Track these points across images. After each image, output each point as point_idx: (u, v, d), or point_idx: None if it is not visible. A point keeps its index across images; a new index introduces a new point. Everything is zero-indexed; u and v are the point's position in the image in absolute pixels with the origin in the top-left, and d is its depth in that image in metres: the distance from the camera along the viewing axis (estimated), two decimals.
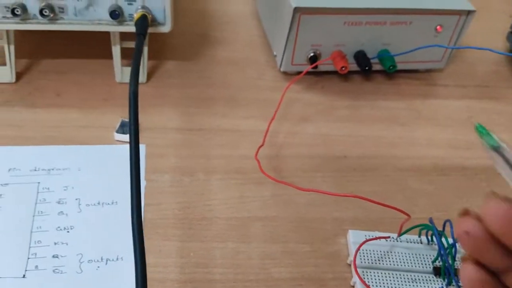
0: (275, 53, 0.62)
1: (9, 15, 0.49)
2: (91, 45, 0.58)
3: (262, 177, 0.46)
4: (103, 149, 0.49)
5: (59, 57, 0.59)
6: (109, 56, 0.58)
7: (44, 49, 0.60)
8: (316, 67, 0.59)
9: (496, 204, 0.20)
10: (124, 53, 0.56)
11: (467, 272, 0.21)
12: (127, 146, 0.49)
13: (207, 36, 0.68)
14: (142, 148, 0.50)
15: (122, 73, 0.57)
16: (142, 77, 0.58)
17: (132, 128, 0.38)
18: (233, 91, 0.59)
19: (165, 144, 0.51)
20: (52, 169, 0.46)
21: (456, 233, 0.21)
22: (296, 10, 0.54)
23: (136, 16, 0.50)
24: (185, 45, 0.65)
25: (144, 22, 0.49)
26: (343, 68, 0.58)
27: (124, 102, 0.55)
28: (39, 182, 0.45)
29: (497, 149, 0.21)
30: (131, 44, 0.56)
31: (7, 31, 0.52)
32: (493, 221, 0.20)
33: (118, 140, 0.50)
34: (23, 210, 0.43)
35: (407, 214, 0.40)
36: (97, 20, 0.51)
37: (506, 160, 0.20)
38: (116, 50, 0.56)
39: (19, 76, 0.56)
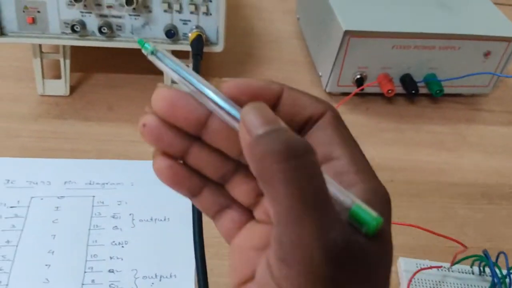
0: (320, 73, 0.63)
1: (68, 31, 0.51)
2: (142, 60, 0.60)
3: None
4: None
5: (110, 71, 0.61)
6: (160, 71, 0.59)
7: (96, 63, 0.61)
8: (362, 89, 0.59)
9: (161, 90, 0.22)
10: None
11: (157, 163, 0.23)
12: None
13: (252, 54, 0.69)
14: None
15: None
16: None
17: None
18: None
19: None
20: (106, 183, 0.48)
21: (140, 129, 0.23)
22: (346, 33, 0.54)
23: (191, 36, 0.51)
24: (231, 63, 0.66)
25: (200, 42, 0.50)
26: (390, 91, 0.58)
27: None
28: (94, 196, 0.46)
29: (154, 54, 0.24)
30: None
31: (64, 46, 0.54)
32: (160, 107, 0.22)
33: None
34: (79, 223, 0.44)
35: (463, 245, 0.40)
36: (152, 38, 0.53)
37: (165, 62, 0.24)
38: None
39: (72, 89, 0.57)
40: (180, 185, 0.23)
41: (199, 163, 0.23)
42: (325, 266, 0.17)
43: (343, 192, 0.19)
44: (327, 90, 0.61)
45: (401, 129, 0.59)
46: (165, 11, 0.51)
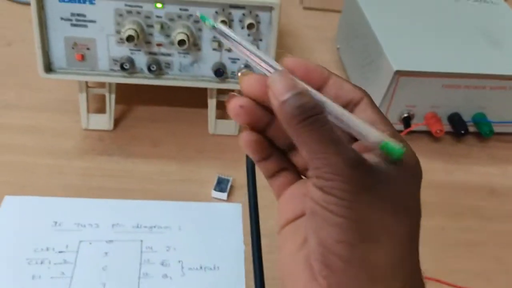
0: None
1: (117, 68, 0.50)
2: (185, 94, 0.59)
3: None
4: (202, 207, 0.49)
5: (154, 104, 0.60)
6: (202, 105, 0.58)
7: (139, 95, 0.61)
8: (408, 126, 0.58)
9: (248, 77, 0.27)
10: (218, 105, 0.56)
11: (245, 135, 0.28)
12: (225, 204, 0.50)
13: None
14: (238, 207, 0.50)
15: (215, 125, 0.57)
16: (234, 130, 0.58)
17: (252, 207, 0.38)
18: None
19: (263, 205, 0.50)
20: (154, 227, 0.47)
21: (231, 111, 0.27)
22: (397, 72, 0.53)
23: (241, 77, 0.50)
24: None
25: None
26: (439, 131, 0.57)
27: (217, 155, 0.55)
28: (141, 240, 0.46)
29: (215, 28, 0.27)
30: (226, 98, 0.56)
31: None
32: (253, 89, 0.27)
33: (214, 198, 0.50)
34: (128, 271, 0.43)
35: None
36: (200, 76, 0.52)
37: (226, 34, 0.27)
38: (211, 103, 0.56)
39: (116, 122, 0.57)
40: (258, 152, 0.28)
41: (274, 134, 0.28)
42: (348, 169, 0.23)
43: (377, 133, 0.25)
44: None
45: (449, 170, 0.57)
46: (214, 49, 0.50)
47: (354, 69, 0.66)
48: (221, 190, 0.50)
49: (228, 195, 0.50)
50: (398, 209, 0.25)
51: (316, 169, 0.24)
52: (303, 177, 0.30)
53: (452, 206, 0.53)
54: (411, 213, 0.26)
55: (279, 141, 0.29)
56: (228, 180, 0.51)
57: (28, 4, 0.77)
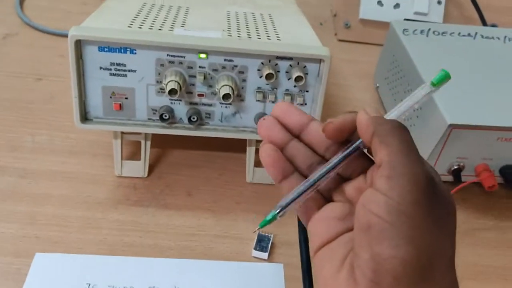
0: None
1: (155, 117, 0.48)
2: (222, 139, 0.56)
3: None
4: (242, 267, 0.46)
5: (187, 148, 0.58)
6: (239, 150, 0.56)
7: (174, 140, 0.58)
8: (458, 179, 0.54)
9: (281, 103, 0.32)
10: (256, 152, 0.54)
11: (264, 148, 0.31)
12: (266, 265, 0.47)
13: None
14: (280, 268, 0.47)
15: (253, 173, 0.55)
16: None
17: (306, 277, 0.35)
18: None
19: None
20: None
21: (260, 128, 0.32)
22: (450, 126, 0.50)
23: None
24: None
25: None
26: (491, 187, 0.53)
27: (255, 207, 0.53)
28: None
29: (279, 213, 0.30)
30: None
31: None
32: (279, 111, 0.32)
33: (255, 257, 0.48)
34: None
35: None
36: (242, 127, 0.49)
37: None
38: (250, 152, 0.54)
39: (150, 169, 0.55)
40: (277, 167, 0.31)
41: (294, 153, 0.31)
42: (425, 179, 0.25)
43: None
44: None
45: (502, 228, 0.54)
46: (258, 100, 0.48)
47: None
48: (262, 249, 0.47)
49: (269, 254, 0.48)
50: (452, 235, 0.27)
51: (393, 165, 0.26)
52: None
53: (506, 270, 0.49)
54: (454, 240, 0.27)
55: (300, 162, 0.32)
56: (269, 238, 0.48)
57: (58, 35, 0.76)
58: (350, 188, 0.31)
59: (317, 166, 0.31)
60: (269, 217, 0.29)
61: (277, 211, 0.29)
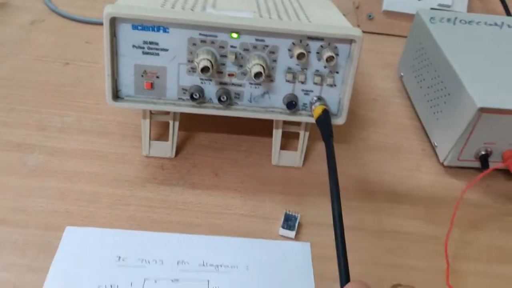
0: (436, 143, 0.58)
1: (186, 97, 0.49)
2: (248, 122, 0.57)
3: None
4: (269, 245, 0.47)
5: (214, 131, 0.58)
6: (265, 134, 0.56)
7: (201, 122, 0.59)
8: (486, 165, 0.54)
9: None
10: (283, 135, 0.54)
11: None
12: (293, 243, 0.47)
13: (354, 114, 0.65)
14: (307, 247, 0.47)
15: (279, 156, 0.55)
16: (299, 162, 0.55)
17: (342, 263, 0.35)
18: (391, 183, 0.55)
19: (331, 244, 0.48)
20: (221, 266, 0.44)
21: None
22: (480, 109, 0.50)
23: (316, 110, 0.47)
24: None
25: (328, 119, 0.46)
26: None
27: (282, 189, 0.53)
28: (208, 280, 0.43)
29: None
30: (292, 128, 0.54)
31: None
32: None
33: (282, 235, 0.48)
34: None
35: None
36: (271, 107, 0.50)
37: None
38: (277, 134, 0.54)
39: (177, 150, 0.55)
40: None
41: None
42: None
43: None
44: (445, 164, 0.56)
45: None
46: (287, 81, 0.48)
47: (421, 99, 0.63)
48: (289, 228, 0.48)
49: (296, 233, 0.48)
50: None
51: None
52: None
53: None
54: None
55: None
56: (296, 217, 0.48)
57: (84, 22, 0.77)
58: None
59: None
60: None
61: None
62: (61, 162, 0.52)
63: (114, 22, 0.45)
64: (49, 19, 0.77)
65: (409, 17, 0.82)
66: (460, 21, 0.65)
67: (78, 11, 0.79)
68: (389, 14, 0.84)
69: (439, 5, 0.82)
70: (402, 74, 0.70)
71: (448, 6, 0.82)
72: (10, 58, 0.67)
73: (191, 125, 0.59)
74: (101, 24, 0.45)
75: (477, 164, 0.55)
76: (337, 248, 0.36)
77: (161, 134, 0.56)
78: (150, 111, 0.52)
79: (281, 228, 0.48)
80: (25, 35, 0.72)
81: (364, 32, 0.83)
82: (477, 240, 0.50)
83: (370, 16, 0.84)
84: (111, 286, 0.42)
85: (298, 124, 0.53)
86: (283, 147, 0.55)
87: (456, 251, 0.48)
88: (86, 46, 0.72)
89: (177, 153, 0.55)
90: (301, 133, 0.54)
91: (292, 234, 0.48)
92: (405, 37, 0.71)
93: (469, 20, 0.66)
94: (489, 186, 0.56)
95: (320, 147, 0.58)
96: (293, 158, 0.55)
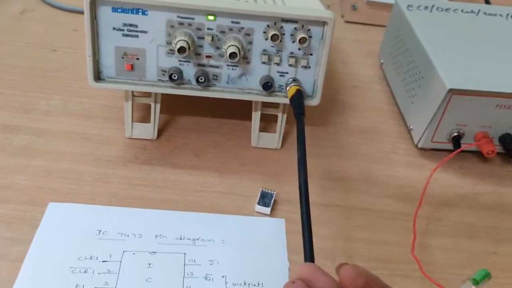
0: (411, 126, 0.60)
1: (165, 78, 0.50)
2: (228, 105, 0.58)
3: (410, 269, 0.44)
4: (245, 221, 0.48)
5: (196, 114, 0.60)
6: (245, 117, 0.58)
7: (182, 105, 0.60)
8: (458, 146, 0.56)
9: (306, 265, 0.33)
10: (261, 117, 0.56)
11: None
12: (269, 219, 0.49)
13: (335, 100, 0.67)
14: (281, 223, 0.49)
15: (258, 138, 0.57)
16: (277, 143, 0.57)
17: (306, 232, 0.37)
18: (367, 164, 0.57)
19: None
20: (197, 239, 0.46)
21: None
22: (450, 91, 0.52)
23: (290, 90, 0.49)
24: (314, 108, 0.64)
25: (301, 98, 0.48)
26: (490, 152, 0.55)
27: (260, 168, 0.55)
28: (185, 253, 0.45)
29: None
30: (270, 111, 0.56)
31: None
32: (304, 273, 0.32)
33: (258, 212, 0.50)
34: (172, 284, 0.42)
35: None
36: (247, 89, 0.51)
37: None
38: (256, 116, 0.55)
39: (159, 132, 0.57)
40: None
41: None
42: None
43: None
44: (419, 146, 0.58)
45: (501, 194, 0.55)
46: (263, 62, 0.50)
47: (398, 85, 0.65)
48: (265, 204, 0.49)
49: (271, 210, 0.50)
50: None
51: None
52: None
53: (503, 230, 0.51)
54: None
55: None
56: (271, 195, 0.50)
57: (72, 11, 0.79)
58: None
59: None
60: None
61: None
62: (46, 142, 0.54)
63: (94, 4, 0.46)
64: (39, 8, 0.79)
65: (391, 7, 0.83)
66: (437, 8, 0.67)
67: (67, 1, 0.80)
68: (372, 4, 0.85)
69: None
70: (382, 61, 0.72)
71: None
72: None
73: (174, 108, 0.60)
74: None
75: (450, 146, 0.57)
76: (301, 215, 0.37)
77: (144, 116, 0.58)
78: (132, 94, 0.53)
79: (257, 205, 0.49)
80: (15, 23, 0.74)
81: (348, 22, 0.86)
82: (447, 217, 0.52)
83: (354, 6, 0.86)
84: (90, 258, 0.44)
85: (276, 106, 0.55)
86: (262, 129, 0.57)
87: (425, 228, 0.50)
88: (73, 34, 0.73)
89: (159, 135, 0.57)
90: (279, 115, 0.56)
91: (267, 210, 0.49)
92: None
93: (446, 7, 0.67)
94: (461, 167, 0.58)
95: None
96: (271, 140, 0.57)
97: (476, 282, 0.33)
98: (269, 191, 0.50)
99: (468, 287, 0.33)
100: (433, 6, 0.67)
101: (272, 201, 0.50)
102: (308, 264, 0.33)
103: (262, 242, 0.47)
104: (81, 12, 0.79)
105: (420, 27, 0.61)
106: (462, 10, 0.67)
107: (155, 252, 0.45)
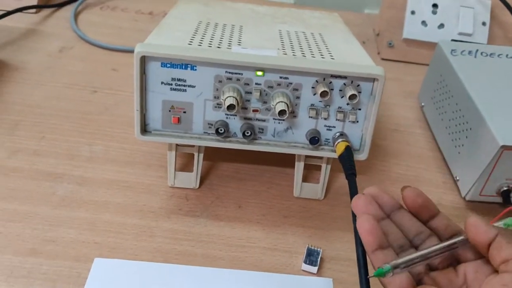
0: (457, 177, 0.58)
1: (211, 131, 0.50)
2: (269, 153, 0.58)
3: None
4: (291, 280, 0.47)
5: (238, 161, 0.60)
6: (287, 165, 0.57)
7: (225, 153, 0.60)
8: (508, 200, 0.54)
9: (372, 187, 0.40)
10: (304, 167, 0.55)
11: (363, 217, 0.35)
12: (316, 279, 0.48)
13: (376, 145, 0.65)
14: (329, 283, 0.48)
15: (301, 188, 0.56)
16: (321, 194, 0.56)
17: None
18: None
19: (354, 281, 0.48)
20: None
21: (356, 204, 0.39)
22: (502, 147, 0.50)
23: (338, 147, 0.48)
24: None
25: (350, 156, 0.47)
26: None
27: (303, 222, 0.54)
28: None
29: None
30: (314, 161, 0.55)
31: None
32: (370, 192, 0.39)
33: (304, 270, 0.48)
34: None
35: None
36: (293, 142, 0.51)
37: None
38: (299, 167, 0.55)
39: (201, 180, 0.56)
40: (374, 234, 0.35)
41: (387, 230, 0.37)
42: None
43: None
44: (467, 198, 0.56)
45: None
46: (310, 117, 0.49)
47: (442, 132, 0.63)
48: (311, 263, 0.48)
49: (318, 269, 0.48)
50: None
51: None
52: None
53: None
54: None
55: (393, 239, 0.37)
56: (318, 252, 0.49)
57: (112, 50, 0.80)
58: (441, 277, 0.36)
59: (409, 248, 0.37)
60: (385, 268, 0.33)
61: (390, 267, 0.33)
62: (89, 192, 0.54)
63: (144, 60, 0.46)
64: (77, 46, 0.80)
65: (429, 45, 0.83)
66: (481, 53, 0.65)
67: (105, 38, 0.81)
68: (409, 42, 0.84)
69: (460, 33, 0.83)
70: (423, 104, 0.71)
71: (469, 34, 0.83)
72: (40, 85, 0.69)
73: (214, 156, 0.60)
74: (127, 51, 0.46)
75: (498, 199, 0.55)
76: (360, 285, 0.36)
77: (186, 164, 0.58)
78: (176, 144, 0.53)
79: (303, 263, 0.48)
80: (54, 62, 0.75)
81: (384, 59, 0.85)
82: None
83: (390, 43, 0.85)
84: None
85: (320, 157, 0.54)
86: (304, 179, 0.56)
87: None
88: (112, 74, 0.74)
89: (201, 183, 0.56)
90: (323, 166, 0.55)
91: (314, 269, 0.48)
92: (426, 65, 0.71)
93: (490, 52, 0.66)
94: None
95: (342, 178, 0.59)
96: (314, 190, 0.56)
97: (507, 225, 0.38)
98: (315, 248, 0.49)
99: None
100: (477, 50, 0.66)
101: (319, 259, 0.48)
102: (372, 187, 0.39)
103: None
104: (119, 51, 0.80)
105: (466, 74, 0.60)
106: (506, 55, 0.66)
107: None
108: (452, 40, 0.77)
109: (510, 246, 0.32)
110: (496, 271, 0.34)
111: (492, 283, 0.33)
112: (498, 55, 0.66)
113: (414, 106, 0.74)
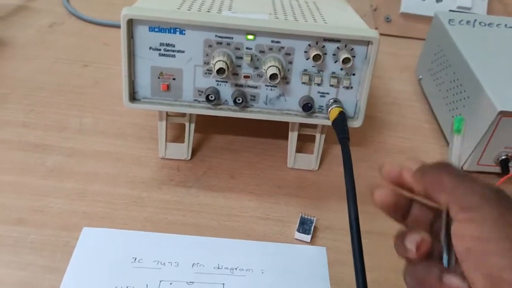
0: None
1: (201, 99, 0.49)
2: (264, 125, 0.57)
3: None
4: (285, 249, 0.46)
5: (231, 133, 0.58)
6: (279, 136, 0.56)
7: (216, 124, 0.59)
8: (506, 169, 0.53)
9: (391, 166, 0.33)
10: (298, 137, 0.54)
11: (380, 189, 0.34)
12: (309, 247, 0.47)
13: (372, 117, 0.64)
14: (323, 251, 0.47)
15: (295, 159, 0.55)
16: (315, 165, 0.55)
17: (359, 269, 0.35)
18: None
19: (348, 250, 0.47)
20: (235, 269, 0.44)
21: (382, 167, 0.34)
22: (500, 113, 0.49)
23: (332, 113, 0.47)
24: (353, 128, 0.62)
25: (344, 121, 0.46)
26: None
27: (297, 192, 0.53)
28: (223, 284, 0.43)
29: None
30: (308, 131, 0.54)
31: None
32: (389, 169, 0.34)
33: (297, 239, 0.47)
34: None
35: None
36: (286, 110, 0.49)
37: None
38: (292, 137, 0.54)
39: (193, 152, 0.55)
40: (390, 204, 0.34)
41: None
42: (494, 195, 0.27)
43: None
44: (464, 168, 0.55)
45: None
46: (303, 83, 0.48)
47: (440, 103, 0.62)
48: (305, 231, 0.47)
49: (311, 237, 0.47)
50: None
51: (461, 207, 0.27)
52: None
53: None
54: None
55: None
56: (311, 221, 0.48)
57: (102, 25, 0.78)
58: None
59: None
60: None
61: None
62: (79, 163, 0.53)
63: (131, 24, 0.45)
64: (68, 21, 0.78)
65: (427, 19, 0.81)
66: (480, 23, 0.64)
67: (97, 14, 0.80)
68: (407, 16, 0.83)
69: (458, 7, 0.81)
70: (420, 77, 0.69)
71: (468, 8, 0.81)
72: (30, 60, 0.68)
73: (207, 127, 0.59)
74: (118, 26, 0.45)
75: (497, 169, 0.54)
76: (353, 253, 0.36)
77: (177, 136, 0.56)
78: (167, 113, 0.52)
79: (296, 232, 0.47)
80: (44, 37, 0.74)
81: (381, 34, 0.83)
82: None
83: (388, 18, 0.84)
84: (127, 287, 0.42)
85: (314, 126, 0.53)
86: (298, 149, 0.55)
87: None
88: (104, 48, 0.72)
89: (193, 155, 0.55)
90: (317, 135, 0.54)
91: (307, 238, 0.47)
92: (423, 39, 0.70)
93: (488, 22, 0.64)
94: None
95: (336, 149, 0.58)
96: (308, 160, 0.55)
97: (458, 131, 0.31)
98: (309, 217, 0.48)
99: (457, 140, 0.32)
100: (475, 20, 0.64)
101: (312, 228, 0.47)
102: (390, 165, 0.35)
103: (303, 272, 0.45)
104: (111, 26, 0.79)
105: (464, 43, 0.59)
106: (505, 25, 0.64)
107: (193, 282, 0.43)
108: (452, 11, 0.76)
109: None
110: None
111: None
112: (497, 25, 0.64)
113: (411, 80, 0.73)
